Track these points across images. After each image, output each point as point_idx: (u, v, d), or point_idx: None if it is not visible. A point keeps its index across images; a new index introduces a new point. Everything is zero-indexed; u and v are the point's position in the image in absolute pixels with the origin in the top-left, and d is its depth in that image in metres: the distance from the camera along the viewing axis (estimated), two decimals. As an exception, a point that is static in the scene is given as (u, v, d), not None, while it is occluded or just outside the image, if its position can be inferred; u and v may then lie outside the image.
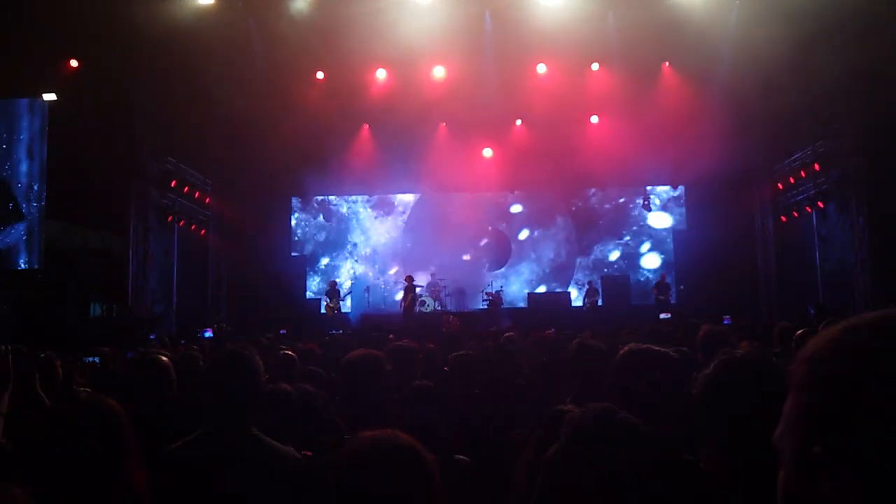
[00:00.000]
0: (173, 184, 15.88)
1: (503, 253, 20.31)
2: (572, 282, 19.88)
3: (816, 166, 15.19)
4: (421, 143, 17.60)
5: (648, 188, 19.84)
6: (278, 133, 15.55)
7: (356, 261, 20.40)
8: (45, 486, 1.86)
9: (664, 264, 19.56)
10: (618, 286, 18.19)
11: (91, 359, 5.79)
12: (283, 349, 5.49)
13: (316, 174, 17.94)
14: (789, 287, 16.84)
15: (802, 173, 15.91)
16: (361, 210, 20.64)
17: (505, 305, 18.02)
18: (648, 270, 19.61)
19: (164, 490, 2.07)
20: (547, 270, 20.19)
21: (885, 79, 10.99)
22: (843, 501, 0.73)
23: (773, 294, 17.55)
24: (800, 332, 4.65)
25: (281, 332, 11.73)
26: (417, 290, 18.47)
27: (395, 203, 20.56)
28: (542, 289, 19.92)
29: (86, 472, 1.93)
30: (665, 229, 20.04)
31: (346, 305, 18.42)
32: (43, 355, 5.06)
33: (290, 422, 3.11)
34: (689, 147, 15.42)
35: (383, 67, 16.09)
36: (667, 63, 15.96)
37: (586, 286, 18.43)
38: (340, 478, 1.56)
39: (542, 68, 16.10)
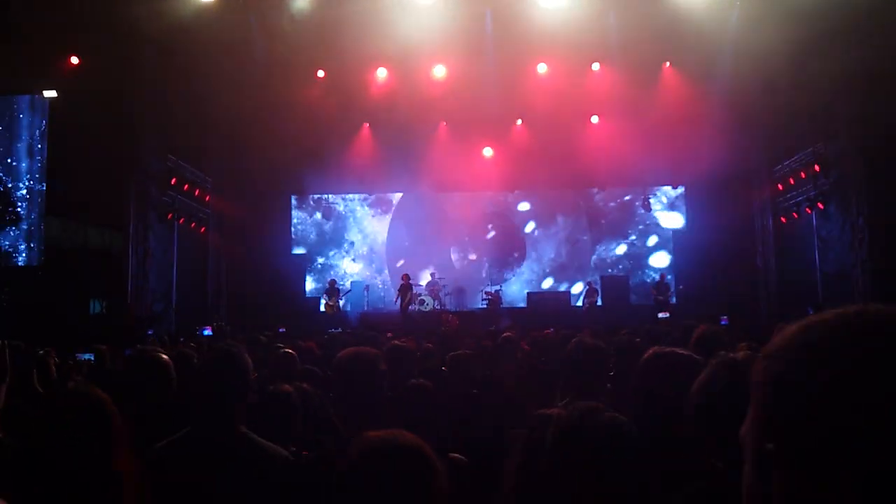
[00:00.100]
0: (173, 181, 15.86)
1: (514, 247, 20.26)
2: (584, 279, 19.80)
3: (816, 167, 15.18)
4: (421, 143, 17.60)
5: (650, 189, 19.83)
6: (279, 131, 15.55)
7: (353, 260, 20.40)
8: (34, 478, 1.84)
9: (673, 263, 19.57)
10: (617, 286, 18.19)
11: (84, 356, 5.78)
12: (281, 347, 5.49)
13: (316, 173, 17.94)
14: (789, 288, 16.83)
15: (802, 174, 15.90)
16: (359, 208, 20.63)
17: (504, 305, 18.03)
18: (656, 269, 19.58)
19: (151, 488, 2.05)
20: (547, 270, 20.19)
21: (885, 80, 11.00)
22: (792, 499, 0.74)
23: (772, 295, 17.54)
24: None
25: (280, 330, 11.72)
26: (417, 288, 18.50)
27: (393, 201, 20.56)
28: (548, 282, 19.88)
29: (70, 463, 1.90)
30: (676, 229, 20.01)
31: (346, 304, 18.42)
32: (42, 352, 5.08)
33: (290, 422, 3.11)
34: (690, 147, 15.43)
35: (384, 66, 16.09)
36: (667, 63, 15.95)
37: (586, 286, 18.44)
38: (347, 477, 1.56)
39: (542, 68, 16.09)
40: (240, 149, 16.54)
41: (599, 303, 17.73)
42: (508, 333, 6.36)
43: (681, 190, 19.89)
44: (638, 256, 20.03)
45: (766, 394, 0.77)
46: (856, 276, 13.96)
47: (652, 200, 19.97)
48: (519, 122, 18.08)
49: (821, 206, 15.12)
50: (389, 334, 8.82)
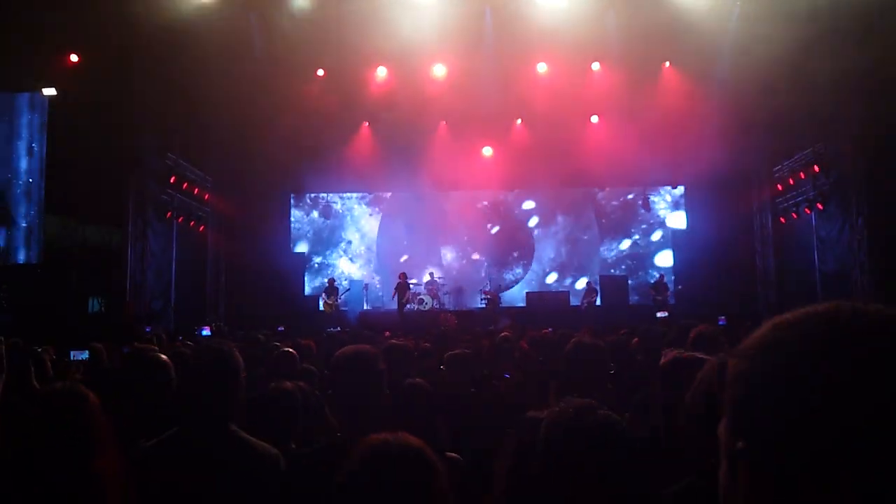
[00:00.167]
0: (172, 180, 15.87)
1: (518, 245, 20.24)
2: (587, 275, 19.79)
3: (816, 168, 15.19)
4: (421, 142, 17.58)
5: (649, 188, 19.85)
6: (278, 130, 15.53)
7: (351, 259, 20.39)
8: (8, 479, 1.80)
9: (673, 263, 19.58)
10: (616, 286, 18.20)
11: (80, 354, 5.77)
12: (279, 346, 5.49)
13: (315, 171, 17.94)
14: (788, 288, 16.84)
15: (802, 174, 15.92)
16: (356, 207, 20.62)
17: (503, 305, 18.04)
18: (661, 269, 19.57)
19: (139, 487, 2.04)
20: (547, 270, 20.20)
21: (885, 81, 10.99)
22: (758, 497, 0.74)
23: (771, 295, 17.55)
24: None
25: (279, 328, 11.72)
26: (416, 288, 18.51)
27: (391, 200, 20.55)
28: (552, 277, 19.88)
29: (45, 463, 1.85)
30: (676, 229, 20.01)
31: (345, 303, 18.41)
32: (39, 350, 5.08)
33: (291, 420, 3.12)
34: (689, 147, 15.42)
35: (384, 65, 16.07)
36: (667, 63, 15.94)
37: (585, 285, 18.46)
38: (350, 482, 1.56)
39: (542, 67, 16.08)
40: (239, 147, 16.53)
41: (598, 302, 17.73)
42: (506, 333, 6.36)
43: (683, 189, 19.90)
44: (642, 256, 20.01)
45: (735, 392, 0.77)
46: (855, 276, 13.97)
47: (656, 199, 19.98)
48: (518, 121, 18.07)
49: (820, 206, 15.13)
50: (387, 333, 8.82)
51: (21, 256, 14.41)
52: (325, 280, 18.83)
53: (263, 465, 2.43)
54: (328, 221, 20.45)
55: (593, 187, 19.85)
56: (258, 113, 15.19)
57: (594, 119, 17.73)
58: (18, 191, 14.61)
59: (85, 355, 5.76)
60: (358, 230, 20.56)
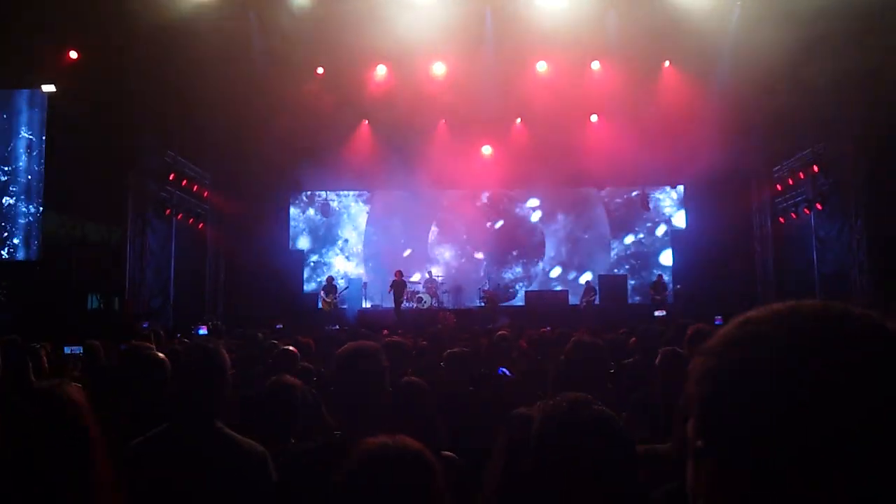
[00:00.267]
0: (172, 177, 15.86)
1: (523, 242, 20.23)
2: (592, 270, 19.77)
3: (815, 168, 15.20)
4: (420, 140, 17.57)
5: (648, 188, 19.86)
6: (278, 128, 15.52)
7: (347, 258, 20.38)
8: None
9: (672, 263, 19.58)
10: (615, 285, 18.20)
11: (73, 349, 5.77)
12: (277, 344, 5.49)
13: (315, 170, 17.92)
14: (787, 288, 16.84)
15: (801, 175, 15.92)
16: (353, 205, 20.60)
17: (501, 304, 18.05)
18: (666, 268, 19.57)
19: (127, 485, 2.03)
20: (547, 269, 20.20)
21: (885, 81, 10.99)
22: (718, 495, 0.74)
23: (770, 295, 17.54)
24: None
25: (277, 326, 11.71)
26: (415, 286, 18.52)
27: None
28: (556, 272, 19.93)
29: (29, 471, 1.79)
30: (675, 229, 20.01)
31: (344, 301, 18.40)
32: (38, 346, 5.08)
33: (292, 415, 3.11)
34: (689, 147, 15.41)
35: (383, 63, 16.05)
36: (667, 62, 15.93)
37: (584, 284, 18.46)
38: (348, 484, 1.56)
39: (542, 66, 16.07)
40: (239, 145, 16.52)
41: (597, 301, 17.74)
42: (504, 331, 6.36)
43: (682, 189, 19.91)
44: (646, 255, 19.98)
45: (703, 390, 0.77)
46: (854, 276, 13.98)
47: (662, 196, 19.96)
48: (518, 120, 18.06)
49: (819, 206, 15.14)
50: (385, 332, 8.82)
51: (20, 254, 14.40)
52: (324, 278, 18.82)
53: (249, 463, 2.44)
54: (324, 220, 20.42)
55: (592, 187, 19.83)
56: (257, 110, 15.19)
57: (594, 118, 17.72)
58: (18, 188, 14.60)
59: (79, 350, 5.76)
60: (355, 228, 20.55)
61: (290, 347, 5.09)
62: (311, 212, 20.55)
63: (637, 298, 18.54)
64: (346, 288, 18.53)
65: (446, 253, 20.21)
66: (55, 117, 14.14)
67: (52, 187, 14.19)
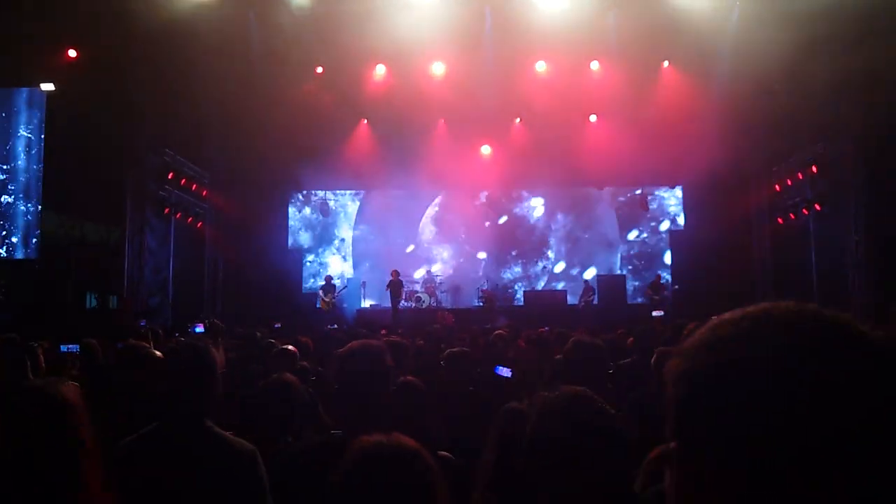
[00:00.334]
0: (171, 176, 15.85)
1: (521, 241, 20.23)
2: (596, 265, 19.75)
3: (814, 168, 15.21)
4: (420, 140, 17.56)
5: (647, 188, 19.86)
6: (277, 127, 15.52)
7: (343, 257, 20.37)
8: None
9: (671, 262, 19.58)
10: (614, 285, 18.21)
11: (70, 348, 5.77)
12: (274, 343, 5.49)
13: (314, 169, 17.92)
14: (785, 288, 16.84)
15: (800, 175, 15.93)
16: (350, 204, 20.58)
17: (500, 303, 18.06)
18: (668, 268, 19.60)
19: (117, 484, 2.02)
20: (548, 268, 20.21)
21: (884, 82, 11.00)
22: (689, 497, 0.74)
23: (768, 295, 17.55)
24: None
25: (276, 326, 11.70)
26: (413, 285, 18.51)
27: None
28: (560, 266, 19.91)
29: (18, 468, 1.77)
30: (674, 229, 19.99)
31: (343, 300, 18.39)
32: (36, 344, 5.08)
33: (291, 412, 3.11)
34: (688, 147, 15.42)
35: (383, 63, 16.06)
36: (667, 62, 15.94)
37: (583, 284, 18.47)
38: (343, 483, 1.56)
39: (541, 66, 16.08)
40: (237, 144, 16.51)
41: (596, 301, 17.74)
42: (501, 331, 6.36)
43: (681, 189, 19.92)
44: (651, 255, 19.95)
45: (673, 393, 0.77)
46: (852, 277, 13.99)
47: (666, 194, 19.94)
48: (517, 120, 18.06)
49: (818, 207, 15.14)
50: (384, 331, 8.83)
51: (19, 252, 14.39)
52: (323, 277, 18.81)
53: (239, 461, 2.45)
54: (320, 219, 20.40)
55: (592, 187, 19.82)
56: (257, 110, 15.18)
57: (593, 118, 17.73)
58: (16, 186, 14.59)
59: (75, 348, 5.75)
60: (351, 227, 20.54)
61: (290, 347, 5.08)
62: (307, 211, 20.52)
63: (639, 299, 18.54)
64: (345, 287, 18.52)
65: (445, 253, 20.19)
66: (54, 116, 14.13)
67: (50, 186, 14.18)
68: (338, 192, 20.37)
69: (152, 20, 12.60)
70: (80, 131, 13.00)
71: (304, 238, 20.48)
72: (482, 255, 19.98)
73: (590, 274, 19.38)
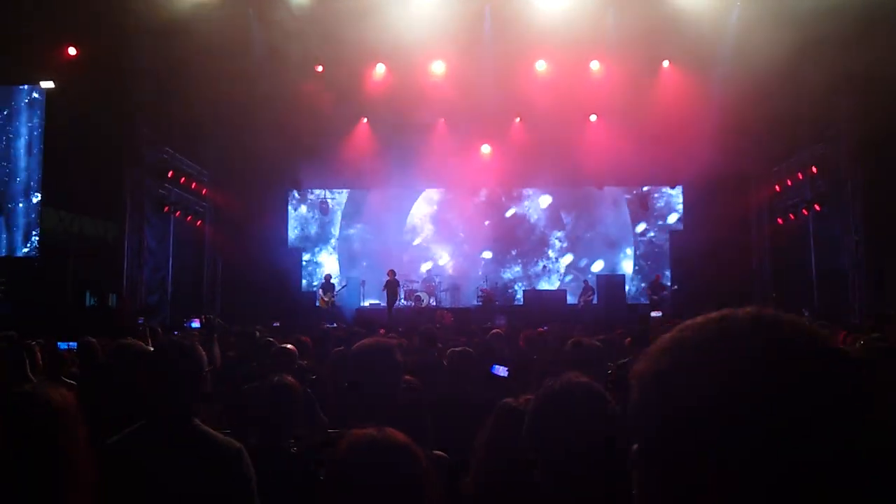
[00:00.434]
0: (170, 174, 15.85)
1: (521, 240, 20.23)
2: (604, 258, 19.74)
3: (814, 169, 15.21)
4: (419, 139, 17.56)
5: (649, 188, 19.86)
6: (276, 125, 15.52)
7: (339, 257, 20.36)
8: None
9: (670, 262, 19.58)
10: (613, 285, 18.21)
11: (66, 344, 5.77)
12: (272, 341, 5.49)
13: (313, 167, 17.92)
14: (785, 289, 16.86)
15: (800, 175, 15.93)
16: (346, 203, 20.55)
17: (498, 303, 18.07)
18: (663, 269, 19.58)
19: (103, 482, 2.02)
20: (549, 267, 20.21)
21: (883, 83, 11.01)
22: (653, 498, 0.76)
23: (767, 296, 17.55)
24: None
25: (274, 324, 11.71)
26: (413, 284, 18.50)
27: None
28: (567, 259, 19.92)
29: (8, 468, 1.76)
30: (673, 229, 19.98)
31: (342, 299, 18.39)
32: (34, 342, 5.08)
33: (291, 414, 3.12)
34: (687, 147, 15.42)
35: (383, 62, 16.05)
36: (667, 62, 15.94)
37: (582, 284, 18.47)
38: (335, 476, 1.57)
39: (541, 65, 16.08)
40: (237, 142, 16.49)
41: (595, 301, 17.75)
42: (497, 330, 6.36)
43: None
44: (657, 255, 19.94)
45: (634, 395, 0.78)
46: (851, 278, 14.01)
47: (674, 192, 19.92)
48: (517, 119, 18.06)
49: (817, 207, 15.14)
50: (382, 331, 8.83)
51: (18, 250, 14.39)
52: (322, 276, 18.81)
53: (224, 459, 2.45)
54: (316, 218, 20.39)
55: (591, 186, 19.81)
56: (256, 108, 15.18)
57: (593, 118, 17.72)
58: (16, 184, 14.59)
59: (72, 346, 5.75)
60: (342, 226, 20.51)
61: (288, 346, 5.09)
62: (303, 209, 20.50)
63: (642, 299, 18.54)
64: (345, 286, 18.52)
65: (444, 252, 20.18)
66: (53, 113, 14.12)
67: (50, 183, 14.19)
68: (334, 191, 20.34)
69: (152, 18, 12.61)
70: (80, 129, 13.00)
71: (300, 237, 20.45)
72: (487, 254, 19.96)
73: (598, 267, 19.43)
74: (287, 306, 16.79)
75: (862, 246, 13.78)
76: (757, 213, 18.45)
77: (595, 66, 16.07)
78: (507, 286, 19.80)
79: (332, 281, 18.35)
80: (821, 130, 14.76)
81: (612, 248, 19.96)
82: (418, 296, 18.17)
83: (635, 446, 0.77)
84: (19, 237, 14.54)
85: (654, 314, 15.02)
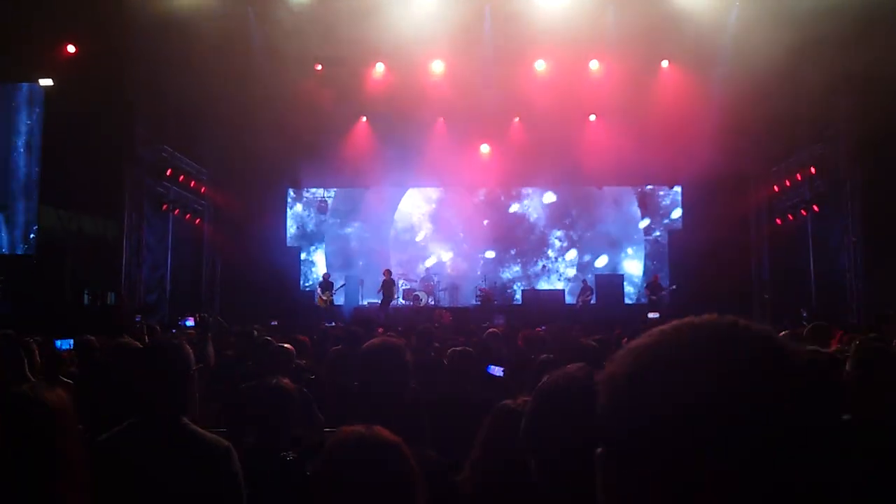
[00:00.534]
0: (169, 172, 15.84)
1: (520, 240, 20.23)
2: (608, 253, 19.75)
3: (812, 169, 15.22)
4: (419, 138, 17.56)
5: (648, 187, 19.86)
6: (276, 124, 15.51)
7: (337, 256, 20.33)
8: None
9: (669, 263, 19.58)
10: (611, 285, 18.22)
11: (63, 343, 5.77)
12: (270, 340, 5.49)
13: (313, 166, 17.91)
14: (783, 289, 16.88)
15: (798, 176, 15.94)
16: (344, 202, 20.53)
17: (497, 302, 18.06)
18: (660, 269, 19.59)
19: (93, 481, 2.03)
20: (549, 267, 20.21)
21: (882, 83, 11.02)
22: (618, 500, 0.77)
23: (766, 296, 17.59)
24: (783, 334, 4.66)
25: (272, 323, 11.71)
26: (412, 284, 18.51)
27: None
28: (572, 254, 19.93)
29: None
30: (672, 229, 19.99)
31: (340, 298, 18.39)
32: (32, 341, 5.07)
33: (286, 416, 3.12)
34: (687, 147, 15.43)
35: (382, 61, 16.05)
36: (666, 62, 15.95)
37: (581, 284, 18.47)
38: (320, 472, 1.57)
39: (540, 65, 16.08)
40: (236, 141, 16.48)
41: (593, 301, 17.75)
42: (494, 329, 6.35)
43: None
44: (662, 255, 19.93)
45: (601, 397, 0.80)
46: (850, 279, 14.02)
47: (678, 188, 19.90)
48: (517, 119, 18.05)
49: (816, 208, 15.16)
50: (381, 330, 8.82)
51: (17, 248, 14.39)
52: (321, 276, 18.80)
53: (212, 457, 2.46)
54: (312, 216, 20.38)
55: (591, 186, 19.80)
56: (256, 106, 15.17)
57: (592, 118, 17.72)
58: (15, 182, 14.58)
59: (69, 344, 5.75)
60: (345, 225, 20.50)
61: (286, 345, 5.08)
62: (298, 207, 20.49)
63: (643, 300, 18.54)
64: (343, 285, 18.51)
65: (443, 252, 20.17)
66: (52, 111, 14.12)
67: (48, 181, 14.18)
68: (330, 190, 20.33)
69: (151, 16, 12.61)
70: (79, 127, 12.99)
71: (296, 236, 20.43)
72: (490, 254, 19.96)
73: (602, 262, 19.47)
74: (286, 305, 16.80)
75: (860, 246, 13.80)
76: (756, 213, 18.46)
77: (594, 65, 16.08)
78: (507, 286, 19.80)
79: (332, 280, 18.33)
80: (820, 130, 14.78)
81: (613, 246, 19.96)
82: (417, 295, 18.17)
83: (599, 450, 0.78)
84: (18, 235, 14.54)
85: (651, 316, 15.00)
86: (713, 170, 15.67)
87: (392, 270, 17.58)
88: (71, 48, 13.70)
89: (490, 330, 6.26)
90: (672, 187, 19.81)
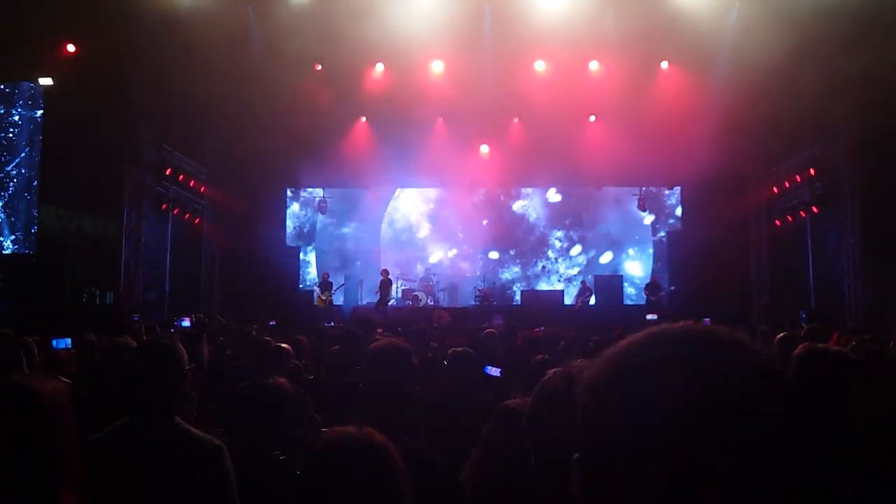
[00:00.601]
0: (168, 171, 15.84)
1: (519, 240, 20.21)
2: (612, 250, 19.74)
3: (812, 171, 15.23)
4: (418, 138, 17.55)
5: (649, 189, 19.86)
6: (275, 124, 15.50)
7: (336, 256, 20.34)
8: None
9: (668, 263, 19.57)
10: (610, 286, 18.22)
11: (60, 342, 5.76)
12: (269, 340, 5.49)
13: (312, 166, 17.90)
14: (782, 290, 16.88)
15: (798, 177, 15.94)
16: (342, 202, 20.52)
17: (496, 302, 18.06)
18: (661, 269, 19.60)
19: (84, 480, 2.03)
20: (548, 268, 20.21)
21: (881, 83, 11.02)
22: (585, 500, 0.78)
23: (765, 297, 17.60)
24: (781, 335, 4.67)
25: (270, 323, 11.70)
26: (410, 284, 18.51)
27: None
28: (576, 249, 19.87)
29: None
30: (672, 230, 20.00)
31: (339, 297, 18.40)
32: (30, 340, 5.07)
33: (281, 415, 3.12)
34: (686, 148, 15.43)
35: (382, 61, 16.04)
36: (665, 62, 15.94)
37: (580, 284, 18.48)
38: (310, 470, 1.58)
39: (540, 65, 16.07)
40: (236, 140, 16.47)
41: (592, 302, 17.75)
42: (491, 329, 6.36)
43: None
44: (664, 256, 19.92)
45: (578, 401, 0.81)
46: (849, 279, 14.03)
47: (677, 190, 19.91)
48: (516, 119, 18.05)
49: (815, 209, 15.16)
50: (380, 330, 8.82)
51: (17, 246, 14.39)
52: (319, 275, 18.82)
53: (204, 455, 2.47)
54: (308, 216, 20.38)
55: (590, 186, 19.80)
56: (255, 106, 15.15)
57: (591, 118, 17.72)
58: (14, 180, 14.58)
59: (67, 342, 5.74)
60: (343, 225, 20.50)
61: (284, 345, 5.08)
62: (295, 207, 20.47)
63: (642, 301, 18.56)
64: (342, 285, 18.52)
65: (442, 251, 20.18)
66: (52, 110, 14.12)
67: (48, 180, 14.18)
68: (327, 190, 20.33)
69: (151, 15, 12.59)
70: (79, 126, 12.99)
71: (293, 235, 20.43)
72: (494, 254, 19.96)
73: (606, 258, 19.43)
74: (285, 305, 16.80)
75: (859, 247, 13.80)
76: (755, 213, 18.46)
77: (594, 66, 16.06)
78: (506, 286, 19.79)
79: (331, 280, 18.33)
80: (819, 131, 14.77)
81: (615, 246, 19.97)
82: (416, 295, 18.17)
83: (577, 455, 0.79)
84: (18, 234, 14.53)
85: (648, 317, 14.98)
86: (712, 170, 15.66)
87: (389, 270, 17.58)
88: (71, 48, 13.70)
89: (488, 330, 6.26)
90: (671, 188, 19.81)
